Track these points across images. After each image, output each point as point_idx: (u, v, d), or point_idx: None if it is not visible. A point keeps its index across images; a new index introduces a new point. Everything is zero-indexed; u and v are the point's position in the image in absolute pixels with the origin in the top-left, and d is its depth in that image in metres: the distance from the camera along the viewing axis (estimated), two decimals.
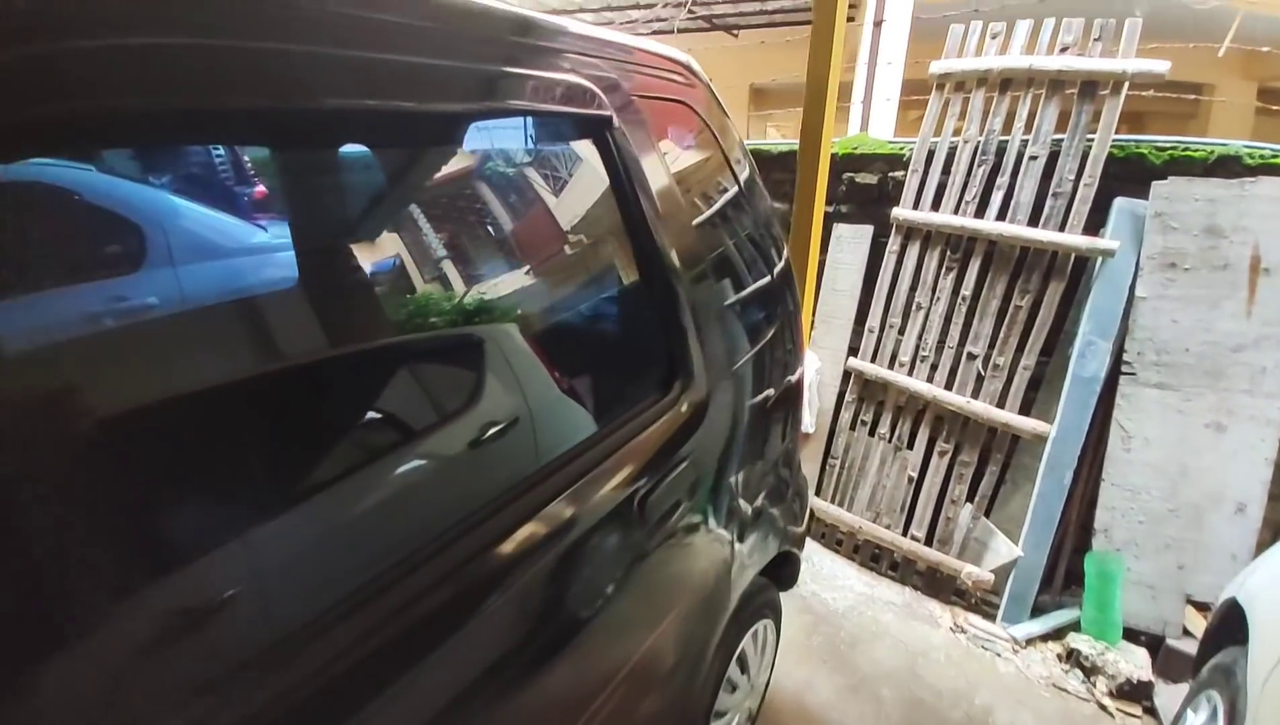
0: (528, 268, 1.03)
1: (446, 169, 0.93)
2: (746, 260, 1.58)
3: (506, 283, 1.01)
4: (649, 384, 1.21)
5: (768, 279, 1.63)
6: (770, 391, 1.66)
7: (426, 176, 0.90)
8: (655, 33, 6.67)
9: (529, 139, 1.03)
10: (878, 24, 3.48)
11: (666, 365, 1.23)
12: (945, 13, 2.89)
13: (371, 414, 0.86)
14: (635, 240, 1.18)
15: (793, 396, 1.83)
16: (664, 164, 1.25)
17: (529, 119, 1.00)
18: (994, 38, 2.67)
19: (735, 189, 1.55)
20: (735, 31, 6.83)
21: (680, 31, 6.68)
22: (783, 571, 2.01)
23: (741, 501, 1.55)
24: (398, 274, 0.92)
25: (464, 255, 0.92)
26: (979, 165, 2.69)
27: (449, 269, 0.90)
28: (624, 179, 1.14)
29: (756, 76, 7.80)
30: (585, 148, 1.13)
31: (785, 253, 1.72)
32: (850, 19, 5.35)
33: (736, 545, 1.53)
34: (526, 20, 0.98)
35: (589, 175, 1.12)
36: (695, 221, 1.37)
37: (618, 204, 1.16)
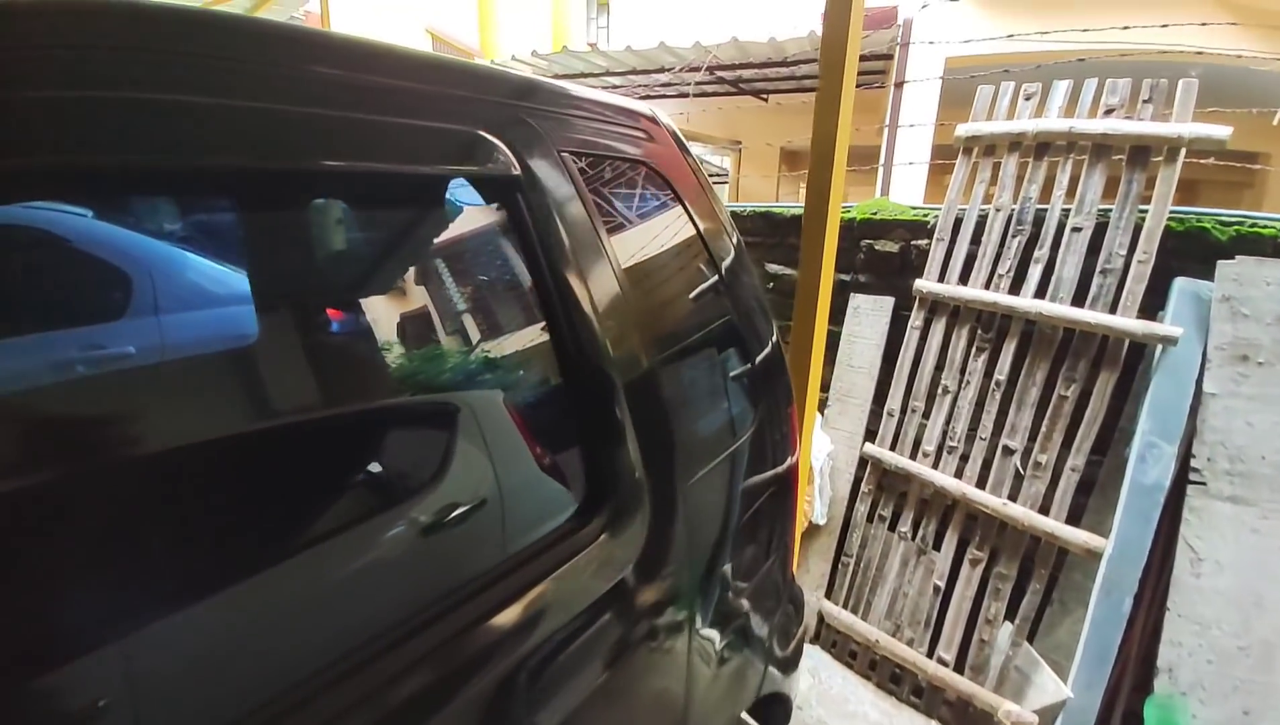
0: (381, 365, 0.80)
1: (275, 233, 0.71)
2: (720, 346, 1.33)
3: (351, 382, 0.77)
4: (561, 510, 0.95)
5: (748, 366, 1.37)
6: (752, 494, 1.38)
7: (239, 247, 0.68)
8: (680, 95, 6.67)
9: (394, 202, 0.81)
10: (899, 85, 3.29)
11: (591, 485, 0.97)
12: (974, 73, 2.68)
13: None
14: (554, 326, 0.94)
15: (784, 494, 1.54)
16: (601, 233, 1.02)
17: (397, 179, 0.78)
18: (1028, 99, 2.43)
19: (708, 262, 1.31)
20: (764, 96, 6.79)
21: (710, 95, 6.68)
22: (770, 710, 1.67)
23: (705, 640, 1.25)
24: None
25: (281, 352, 0.69)
26: (1013, 236, 2.41)
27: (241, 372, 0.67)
28: (539, 251, 0.92)
29: (788, 139, 7.72)
30: (489, 213, 0.91)
31: (774, 336, 1.46)
32: (879, 85, 5.23)
33: (695, 699, 1.22)
34: (392, 52, 0.78)
35: (482, 247, 0.90)
36: (645, 301, 1.13)
37: (533, 281, 0.93)
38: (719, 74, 5.38)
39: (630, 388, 1.02)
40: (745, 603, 1.42)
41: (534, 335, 0.93)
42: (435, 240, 0.86)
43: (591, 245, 1.00)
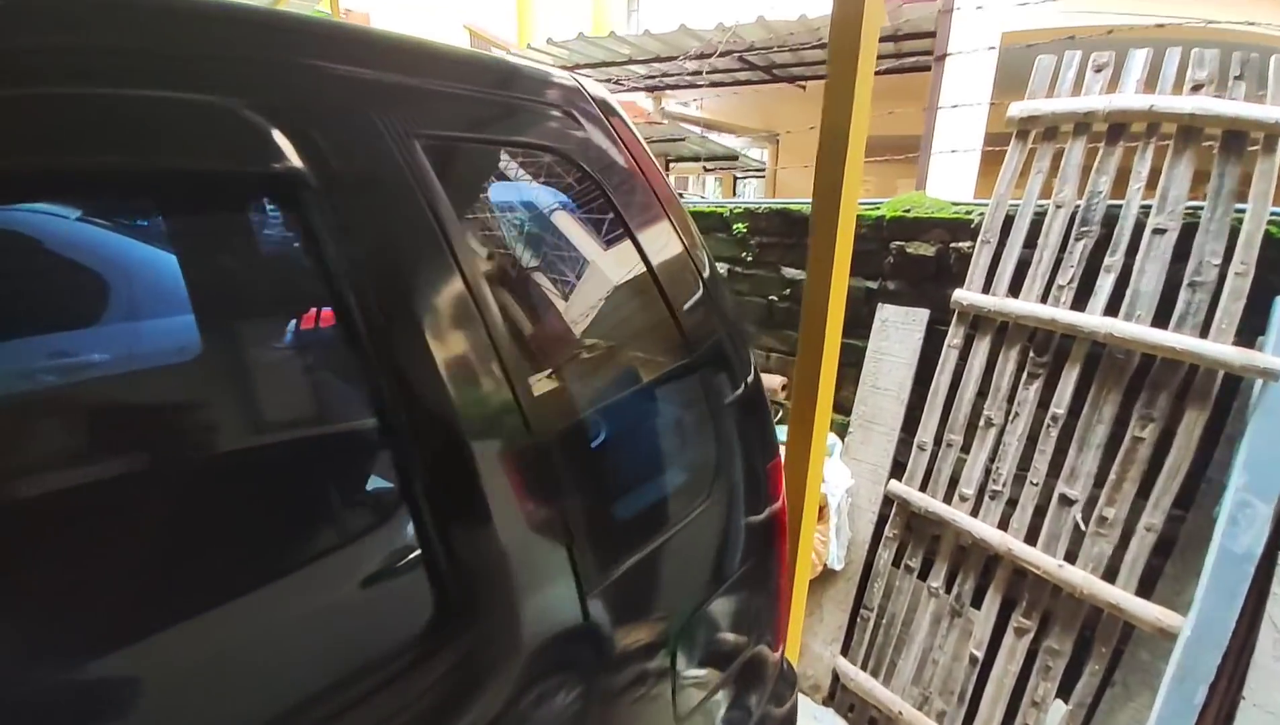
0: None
1: None
2: (664, 394, 1.02)
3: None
4: (377, 639, 0.65)
5: (707, 416, 1.05)
6: (716, 575, 1.08)
7: None
8: (713, 85, 6.30)
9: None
10: (940, 58, 2.86)
11: (439, 601, 0.68)
12: (1034, 46, 2.26)
13: None
14: (368, 373, 0.65)
15: (764, 567, 1.22)
16: (459, 252, 0.72)
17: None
18: (1098, 71, 2.00)
19: (651, 285, 1.00)
20: (802, 84, 6.35)
21: (743, 84, 6.29)
22: None
23: None
24: None
25: None
26: (1077, 238, 2.00)
27: None
28: (338, 274, 0.63)
29: None
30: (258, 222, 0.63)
31: (749, 377, 1.14)
32: (925, 68, 4.74)
33: None
34: None
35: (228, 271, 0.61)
36: (542, 340, 0.83)
37: (337, 316, 0.65)
38: (749, 59, 4.99)
39: (502, 458, 0.73)
40: (706, 715, 1.11)
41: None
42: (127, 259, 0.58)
43: (439, 268, 0.70)
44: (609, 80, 6.41)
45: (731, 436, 1.08)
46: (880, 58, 4.74)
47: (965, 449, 2.17)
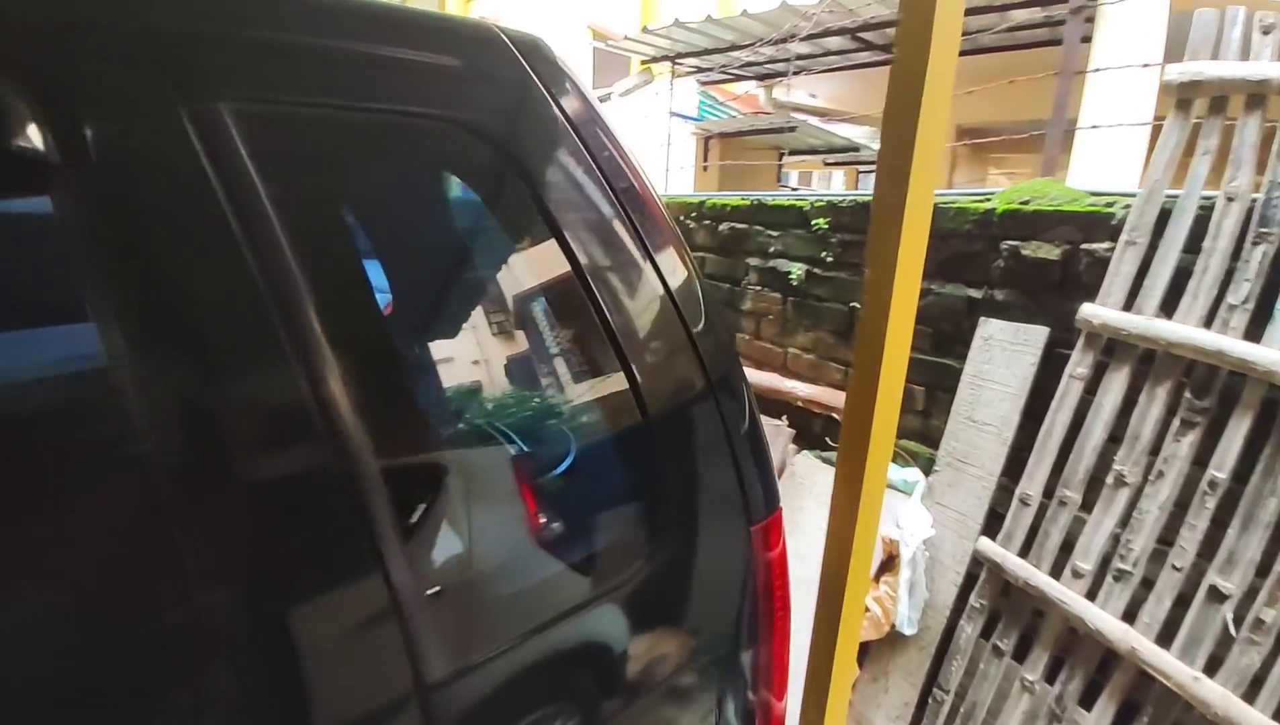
0: None
1: None
2: (592, 450, 0.78)
3: None
4: None
5: (652, 470, 0.80)
6: (653, 669, 0.84)
7: None
8: (828, 69, 5.79)
9: None
10: (1075, 11, 2.29)
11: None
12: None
13: None
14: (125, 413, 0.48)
15: (749, 650, 0.96)
16: (258, 238, 0.54)
17: None
18: (1265, 33, 1.48)
19: (585, 306, 0.76)
20: None
21: (860, 67, 5.74)
22: None
23: None
24: None
25: None
26: (1255, 242, 1.49)
27: None
28: (84, 280, 0.47)
29: (962, 113, 6.41)
30: None
31: (745, 421, 0.87)
32: (1085, 38, 3.99)
33: None
34: None
35: None
36: (390, 360, 0.63)
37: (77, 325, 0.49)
38: (865, 37, 4.49)
39: (311, 520, 0.55)
40: None
41: None
42: None
43: (230, 271, 0.52)
44: (713, 68, 6.11)
45: (698, 492, 0.82)
46: (1025, 28, 4.08)
47: (1085, 510, 1.71)
